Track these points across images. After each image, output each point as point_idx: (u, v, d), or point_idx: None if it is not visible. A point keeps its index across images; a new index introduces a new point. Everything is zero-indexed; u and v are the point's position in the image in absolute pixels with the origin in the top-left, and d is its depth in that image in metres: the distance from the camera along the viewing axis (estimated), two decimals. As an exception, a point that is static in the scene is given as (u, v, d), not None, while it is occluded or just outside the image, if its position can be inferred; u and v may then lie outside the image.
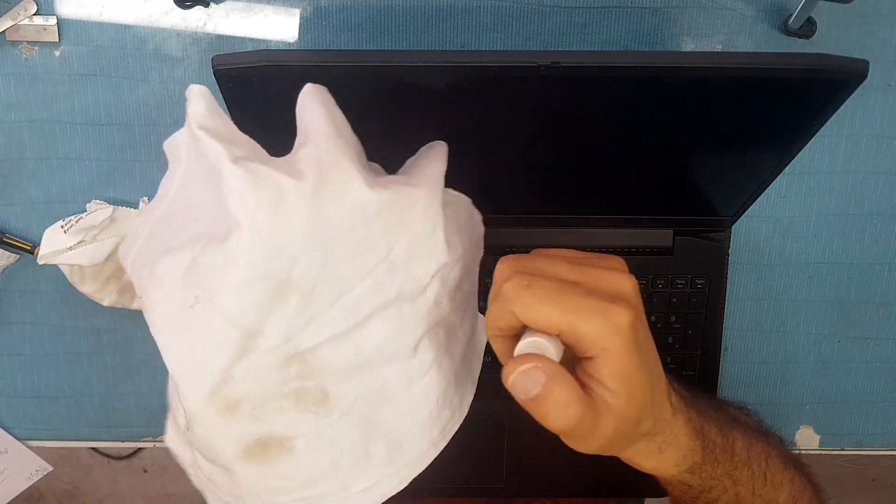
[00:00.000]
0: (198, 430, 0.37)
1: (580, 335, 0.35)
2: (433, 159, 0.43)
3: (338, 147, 0.37)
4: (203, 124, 0.36)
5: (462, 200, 0.45)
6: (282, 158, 0.37)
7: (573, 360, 0.38)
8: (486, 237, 0.47)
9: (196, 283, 0.36)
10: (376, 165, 0.45)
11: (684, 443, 0.43)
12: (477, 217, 0.46)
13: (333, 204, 0.36)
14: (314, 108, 0.39)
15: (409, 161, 0.45)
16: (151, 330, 0.37)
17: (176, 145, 0.39)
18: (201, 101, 0.37)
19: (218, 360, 0.36)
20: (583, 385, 0.37)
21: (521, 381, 0.35)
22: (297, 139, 0.39)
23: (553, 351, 0.36)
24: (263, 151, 0.38)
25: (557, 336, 0.36)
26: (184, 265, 0.36)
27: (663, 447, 0.42)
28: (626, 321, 0.35)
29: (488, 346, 0.41)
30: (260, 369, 0.36)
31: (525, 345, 0.36)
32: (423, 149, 0.45)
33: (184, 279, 0.36)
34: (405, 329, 0.39)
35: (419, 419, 0.40)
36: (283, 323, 0.36)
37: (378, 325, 0.38)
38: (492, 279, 0.39)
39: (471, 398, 0.44)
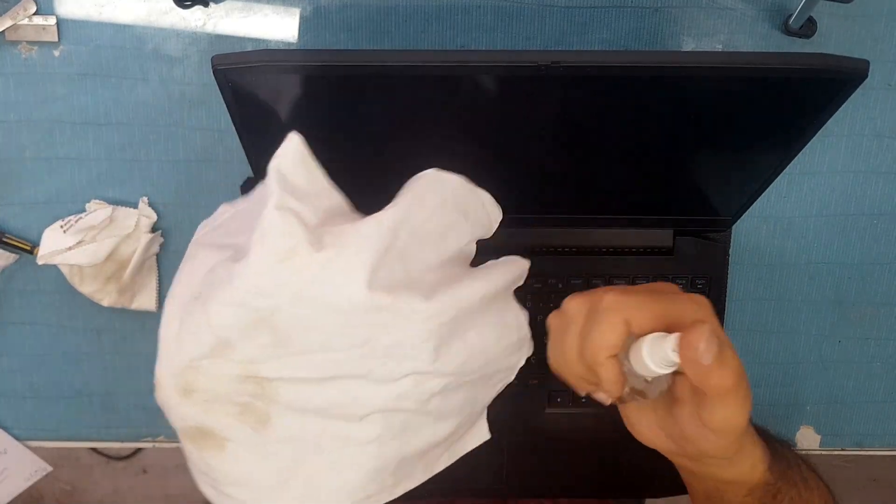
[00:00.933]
0: (159, 396, 0.42)
1: (679, 314, 0.38)
2: (485, 279, 0.43)
3: (367, 242, 0.40)
4: (280, 168, 0.41)
5: (521, 319, 0.46)
6: (329, 223, 0.40)
7: (670, 404, 0.41)
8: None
9: (207, 282, 0.41)
10: (357, 215, 0.45)
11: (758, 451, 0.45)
12: (526, 346, 0.47)
13: (333, 285, 0.39)
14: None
15: (489, 262, 0.46)
16: (167, 297, 0.43)
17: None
18: (293, 153, 0.41)
19: (191, 350, 0.40)
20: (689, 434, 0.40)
21: (707, 345, 0.36)
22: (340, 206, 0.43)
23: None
24: (336, 213, 0.42)
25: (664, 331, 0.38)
26: (211, 263, 0.42)
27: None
28: (707, 301, 0.39)
29: None
30: (222, 373, 0.40)
31: (653, 338, 0.37)
32: (503, 258, 0.46)
33: (203, 275, 0.41)
34: (358, 402, 0.41)
35: (344, 479, 0.42)
36: (253, 348, 0.39)
37: (335, 390, 0.40)
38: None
39: (411, 487, 0.45)
